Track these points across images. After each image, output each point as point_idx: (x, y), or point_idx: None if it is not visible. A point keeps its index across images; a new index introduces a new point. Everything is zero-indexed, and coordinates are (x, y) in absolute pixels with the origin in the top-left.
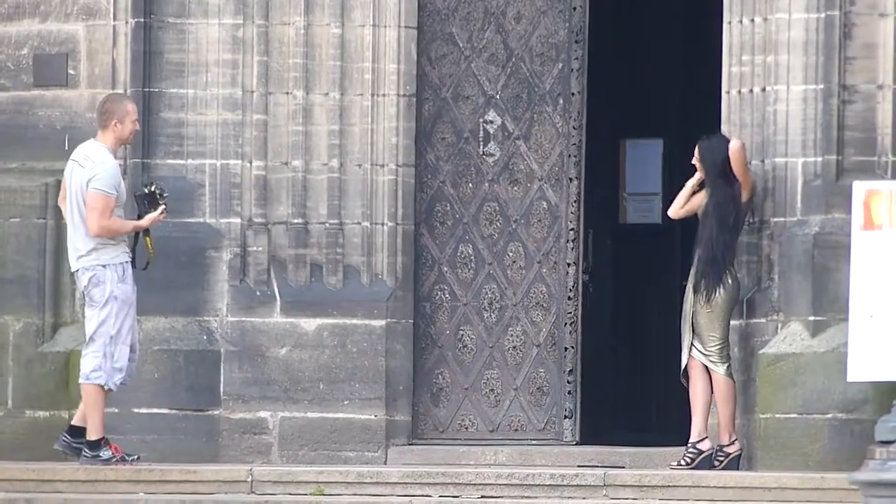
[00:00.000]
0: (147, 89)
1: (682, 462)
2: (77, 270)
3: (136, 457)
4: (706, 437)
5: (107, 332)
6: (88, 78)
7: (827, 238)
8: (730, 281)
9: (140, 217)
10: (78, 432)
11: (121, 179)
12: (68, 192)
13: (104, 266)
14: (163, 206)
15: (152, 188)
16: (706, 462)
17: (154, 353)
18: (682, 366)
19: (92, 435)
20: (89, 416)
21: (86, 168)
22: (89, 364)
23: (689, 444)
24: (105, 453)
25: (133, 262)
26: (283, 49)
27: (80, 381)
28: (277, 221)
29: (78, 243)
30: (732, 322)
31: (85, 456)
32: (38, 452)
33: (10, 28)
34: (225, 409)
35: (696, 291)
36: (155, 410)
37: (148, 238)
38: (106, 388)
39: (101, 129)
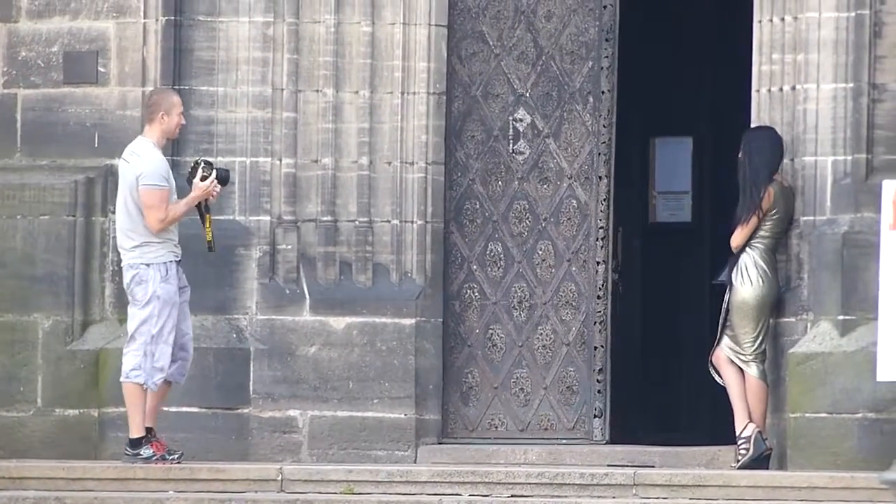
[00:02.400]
0: (177, 87)
1: (739, 456)
2: (122, 266)
3: (177, 455)
4: (749, 422)
5: (148, 332)
6: (119, 75)
7: (856, 237)
8: (761, 282)
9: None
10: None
11: (170, 171)
12: (119, 188)
13: (147, 265)
14: (211, 177)
15: (197, 162)
16: (759, 444)
17: None
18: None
19: (133, 433)
20: (130, 414)
21: (132, 164)
22: (129, 362)
23: (738, 436)
24: (146, 451)
25: (209, 246)
26: (314, 47)
27: (121, 379)
28: (307, 219)
29: (123, 240)
30: None
31: (126, 454)
32: (68, 450)
33: (41, 25)
34: (254, 408)
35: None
36: (185, 409)
37: (208, 216)
38: (145, 387)
39: (148, 123)
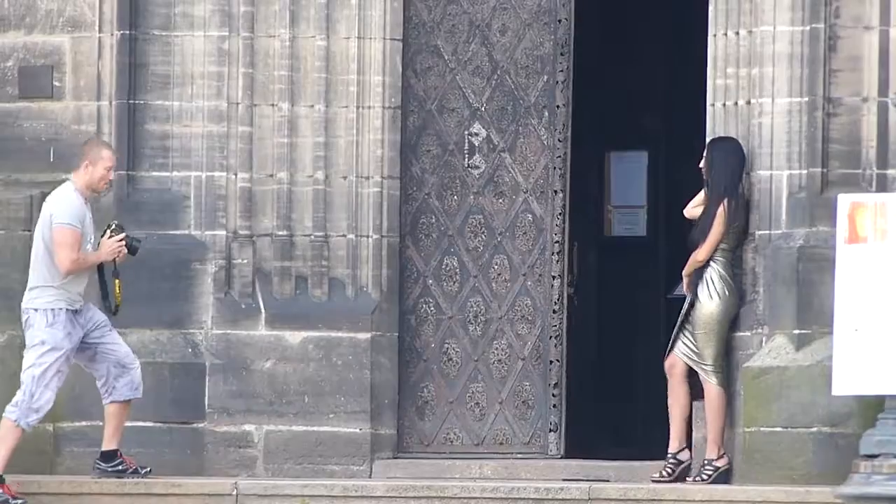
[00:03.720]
0: (132, 101)
1: (664, 474)
2: None
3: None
4: (685, 448)
5: (31, 374)
6: (74, 90)
7: (812, 251)
8: (727, 294)
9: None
10: (109, 456)
11: (86, 216)
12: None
13: (35, 310)
14: (118, 236)
15: (109, 224)
16: (685, 473)
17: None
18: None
19: None
20: None
21: (48, 203)
22: (14, 399)
23: (670, 455)
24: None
25: (108, 309)
26: (269, 61)
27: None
28: (262, 234)
29: (29, 279)
30: None
31: None
32: (23, 464)
33: None
34: (210, 423)
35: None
36: (139, 423)
37: (118, 281)
38: (17, 425)
39: (75, 169)
